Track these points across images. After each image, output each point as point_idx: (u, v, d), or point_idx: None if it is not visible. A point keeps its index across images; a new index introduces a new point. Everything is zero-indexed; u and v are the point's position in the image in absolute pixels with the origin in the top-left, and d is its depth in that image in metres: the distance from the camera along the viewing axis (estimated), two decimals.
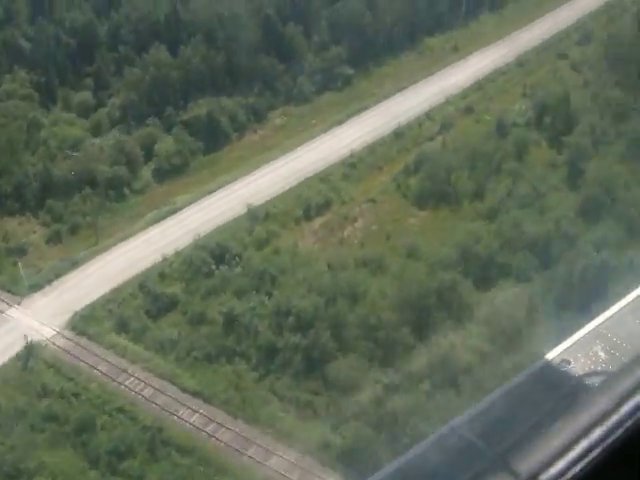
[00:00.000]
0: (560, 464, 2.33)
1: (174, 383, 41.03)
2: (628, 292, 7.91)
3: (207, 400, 39.86)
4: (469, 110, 57.74)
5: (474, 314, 40.56)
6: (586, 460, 2.32)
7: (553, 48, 65.36)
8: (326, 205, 50.41)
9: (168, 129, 58.95)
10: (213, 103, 59.66)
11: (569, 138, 52.54)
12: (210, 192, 53.07)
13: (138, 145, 57.56)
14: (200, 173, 56.21)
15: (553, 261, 42.61)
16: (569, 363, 7.02)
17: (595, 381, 5.67)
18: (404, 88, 60.94)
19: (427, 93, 59.90)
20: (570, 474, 2.29)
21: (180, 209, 52.10)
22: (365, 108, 59.07)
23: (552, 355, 7.27)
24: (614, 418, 2.43)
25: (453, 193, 49.68)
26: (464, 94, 59.57)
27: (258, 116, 60.14)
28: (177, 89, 61.28)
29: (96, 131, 60.38)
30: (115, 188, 55.13)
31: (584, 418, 2.50)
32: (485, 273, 43.25)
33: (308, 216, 49.93)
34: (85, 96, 62.89)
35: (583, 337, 7.61)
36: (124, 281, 47.07)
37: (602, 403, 2.53)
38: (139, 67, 62.42)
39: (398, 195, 50.71)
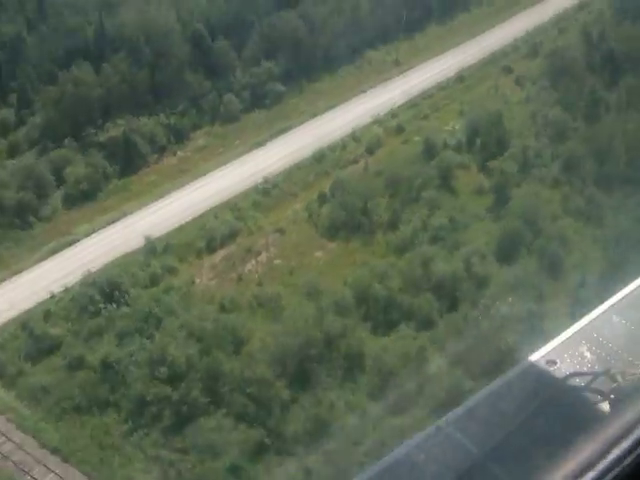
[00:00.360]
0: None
1: (36, 437, 37.49)
2: (614, 292, 7.68)
3: (66, 458, 36.27)
4: (400, 130, 53.77)
5: (365, 364, 36.73)
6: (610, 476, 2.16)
7: (500, 61, 61.25)
8: (232, 236, 46.67)
9: (84, 151, 55.60)
10: (132, 123, 56.23)
11: (497, 162, 48.50)
12: (114, 221, 49.54)
13: (50, 168, 54.20)
14: (111, 199, 52.70)
15: (459, 305, 38.64)
16: (555, 363, 6.90)
17: (581, 382, 5.81)
18: (336, 105, 57.14)
19: (359, 110, 56.04)
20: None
21: (80, 239, 48.59)
22: (290, 128, 55.31)
23: (538, 355, 7.09)
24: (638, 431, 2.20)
25: (367, 223, 45.78)
26: (397, 112, 55.60)
27: (179, 136, 56.57)
28: (97, 108, 57.90)
29: (13, 152, 57.23)
30: (21, 215, 51.81)
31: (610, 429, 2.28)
32: (386, 316, 39.35)
33: (211, 248, 46.23)
34: (5, 114, 59.80)
35: (569, 337, 7.36)
36: (7, 320, 43.63)
37: (626, 416, 2.32)
38: (60, 84, 59.10)
39: (309, 225, 46.87)
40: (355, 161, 51.35)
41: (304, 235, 46.33)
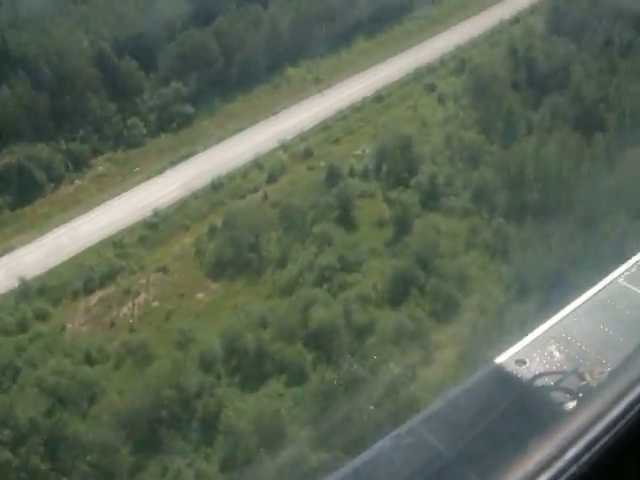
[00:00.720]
0: (542, 478, 2.15)
1: None
2: (583, 292, 7.83)
3: None
4: (307, 155, 50.14)
5: (225, 427, 33.07)
6: (567, 474, 2.15)
7: (425, 78, 57.61)
8: (112, 276, 43.07)
9: None
10: (28, 150, 52.69)
11: (401, 190, 44.91)
12: None
13: None
14: (1, 232, 49.18)
15: (333, 358, 34.98)
16: (524, 363, 6.96)
17: (550, 381, 5.99)
18: (245, 128, 53.54)
19: (269, 133, 52.44)
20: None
21: None
22: (194, 153, 51.74)
23: (507, 355, 7.18)
24: (595, 430, 2.22)
25: (256, 260, 42.16)
26: (307, 135, 51.99)
27: (79, 164, 52.96)
28: None
29: None
30: None
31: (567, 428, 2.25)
32: (258, 369, 35.71)
33: (89, 289, 42.63)
34: None
35: (538, 337, 7.56)
36: None
37: (583, 415, 2.27)
38: None
39: (196, 262, 43.27)
40: (255, 190, 47.74)
41: (188, 274, 42.72)
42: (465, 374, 26.79)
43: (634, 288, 8.34)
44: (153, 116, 55.27)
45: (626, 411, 2.30)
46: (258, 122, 54.11)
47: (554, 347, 7.27)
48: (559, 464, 2.19)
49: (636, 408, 2.30)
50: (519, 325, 34.22)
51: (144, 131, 54.39)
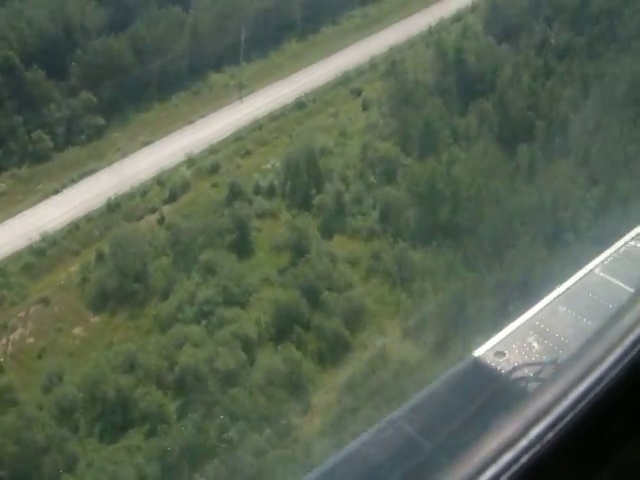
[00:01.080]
0: (506, 456, 2.18)
1: None
2: (559, 283, 8.09)
3: None
4: (214, 170, 46.80)
5: None
6: (531, 452, 2.19)
7: (352, 82, 54.06)
8: None
9: None
10: None
11: (302, 210, 41.59)
12: None
13: None
14: None
15: (198, 408, 31.79)
16: (503, 355, 6.95)
17: (529, 372, 6.09)
18: (155, 141, 50.22)
19: (180, 145, 49.10)
20: (516, 466, 2.18)
21: None
22: (98, 169, 48.46)
23: (486, 347, 7.16)
24: (558, 410, 2.26)
25: (141, 291, 38.94)
26: (218, 147, 48.62)
27: None
28: None
29: None
30: None
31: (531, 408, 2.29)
32: (119, 418, 32.56)
33: None
34: None
35: (516, 329, 7.55)
36: None
37: (546, 396, 2.31)
38: None
39: (79, 292, 40.09)
40: (153, 210, 44.47)
41: (70, 306, 39.56)
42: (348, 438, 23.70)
43: (610, 278, 8.58)
44: (61, 128, 51.98)
45: (588, 391, 2.35)
46: (170, 133, 50.80)
47: (533, 338, 7.54)
48: (523, 442, 2.23)
49: (597, 387, 2.36)
50: (409, 371, 31.18)
51: (51, 145, 51.08)
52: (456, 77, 50.17)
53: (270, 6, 60.01)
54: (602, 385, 2.38)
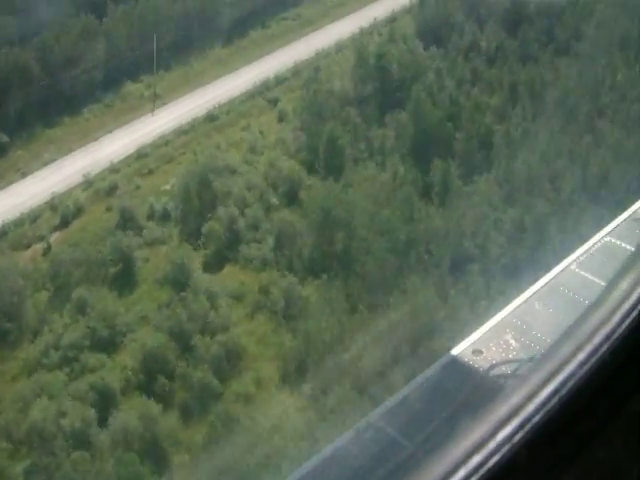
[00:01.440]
0: (475, 458, 2.17)
1: None
2: (535, 280, 8.52)
3: None
4: (112, 191, 43.65)
5: None
6: (500, 453, 2.21)
7: (273, 91, 50.70)
8: None
9: None
10: None
11: (190, 239, 38.46)
12: None
13: None
14: None
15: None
16: (481, 353, 7.27)
17: (507, 369, 6.21)
18: (59, 158, 47.09)
19: (82, 164, 45.95)
20: (485, 467, 2.18)
21: None
22: None
23: (464, 345, 7.59)
24: (527, 410, 2.28)
25: (14, 330, 35.91)
26: (119, 166, 45.43)
27: None
28: None
29: None
30: None
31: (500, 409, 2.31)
32: None
33: None
34: None
35: (494, 326, 7.97)
36: None
37: (515, 396, 2.31)
38: None
39: None
40: (41, 238, 41.37)
41: None
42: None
43: (585, 274, 9.01)
44: None
45: (557, 390, 2.37)
46: (75, 150, 47.62)
47: (510, 336, 8.13)
48: (491, 445, 2.23)
49: (567, 386, 2.37)
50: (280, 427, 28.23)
51: None
52: (377, 85, 46.83)
53: (194, 9, 56.74)
54: (571, 384, 2.37)
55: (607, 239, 10.86)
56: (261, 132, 46.64)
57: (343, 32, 56.27)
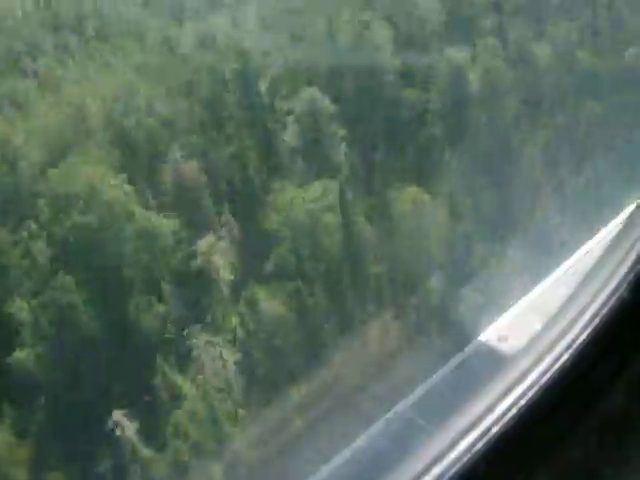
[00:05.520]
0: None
1: None
2: (557, 266, 11.81)
3: None
4: None
5: None
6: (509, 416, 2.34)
7: None
8: None
9: None
10: None
11: None
12: None
13: None
14: None
15: None
16: (506, 339, 10.26)
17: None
18: None
19: None
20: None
21: None
22: None
23: (489, 332, 5.37)
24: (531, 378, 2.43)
25: None
26: None
27: None
28: None
29: None
30: None
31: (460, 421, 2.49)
32: None
33: None
34: None
35: (519, 312, 5.50)
36: None
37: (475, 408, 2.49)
38: None
39: None
40: None
41: None
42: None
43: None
44: None
45: (535, 381, 2.41)
46: None
47: (535, 320, 7.84)
48: (470, 438, 2.28)
49: (544, 378, 2.38)
50: None
51: None
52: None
53: None
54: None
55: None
56: None
57: None
